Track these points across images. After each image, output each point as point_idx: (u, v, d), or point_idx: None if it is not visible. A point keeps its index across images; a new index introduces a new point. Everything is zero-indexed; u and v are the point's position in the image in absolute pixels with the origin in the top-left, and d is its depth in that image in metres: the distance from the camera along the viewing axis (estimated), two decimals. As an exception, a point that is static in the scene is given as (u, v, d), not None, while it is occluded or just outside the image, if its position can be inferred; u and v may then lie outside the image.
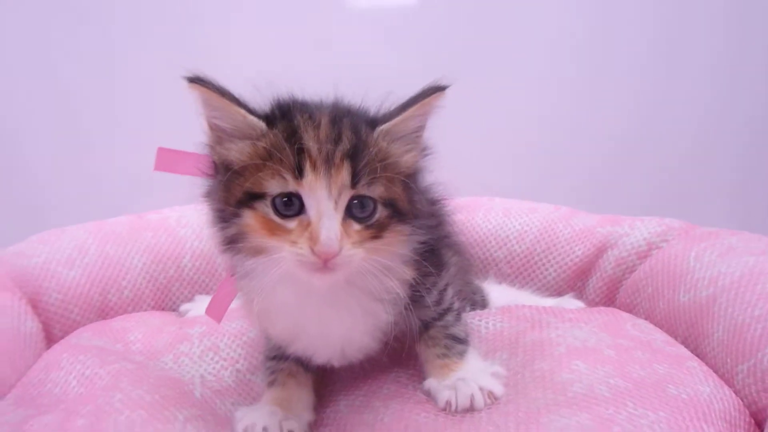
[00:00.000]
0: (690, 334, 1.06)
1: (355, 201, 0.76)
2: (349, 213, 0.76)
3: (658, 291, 1.16)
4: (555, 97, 1.86)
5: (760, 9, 1.79)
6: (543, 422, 0.77)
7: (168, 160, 0.87)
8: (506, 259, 1.39)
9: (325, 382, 1.02)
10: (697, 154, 1.89)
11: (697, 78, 1.82)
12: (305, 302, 0.84)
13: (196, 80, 0.75)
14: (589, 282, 1.33)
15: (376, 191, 0.77)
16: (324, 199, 0.74)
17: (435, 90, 0.80)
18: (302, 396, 0.95)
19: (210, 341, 1.10)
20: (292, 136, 0.75)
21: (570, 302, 1.25)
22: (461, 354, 0.92)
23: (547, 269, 1.36)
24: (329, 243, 0.72)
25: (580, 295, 1.34)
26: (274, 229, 0.75)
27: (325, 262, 0.73)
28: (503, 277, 1.38)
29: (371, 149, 0.76)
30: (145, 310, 1.31)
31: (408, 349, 0.98)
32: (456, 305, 0.96)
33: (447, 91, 0.80)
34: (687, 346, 1.04)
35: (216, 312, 0.98)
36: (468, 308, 1.13)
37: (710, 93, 1.86)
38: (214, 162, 0.82)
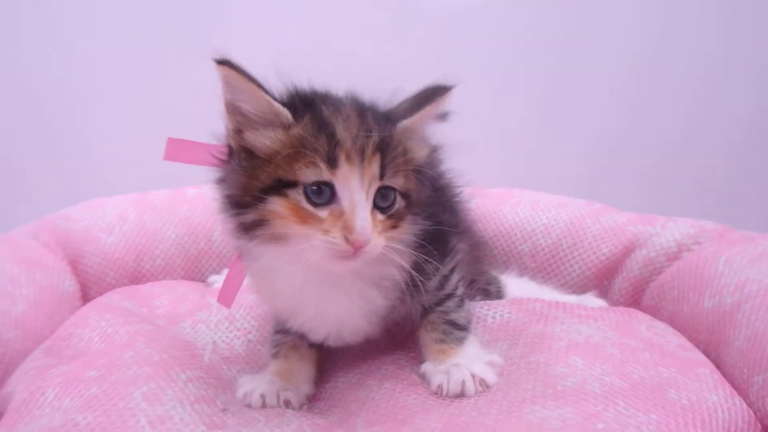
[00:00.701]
0: (711, 341, 1.01)
1: (379, 191, 0.79)
2: (374, 203, 0.79)
3: (684, 295, 1.11)
4: (614, 97, 1.81)
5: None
6: (524, 412, 0.76)
7: (177, 149, 0.91)
8: (530, 253, 1.37)
9: (331, 359, 1.04)
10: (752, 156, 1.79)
11: (754, 77, 1.72)
12: (305, 283, 0.87)
13: (224, 62, 0.76)
14: (615, 281, 1.29)
15: (398, 183, 0.80)
16: (357, 189, 0.76)
17: (445, 90, 0.84)
18: (303, 369, 0.98)
19: (227, 311, 1.15)
20: (324, 127, 0.77)
21: (591, 300, 1.22)
22: (460, 340, 0.93)
23: (571, 265, 1.33)
24: (364, 232, 0.75)
25: (605, 294, 1.30)
26: (304, 217, 0.77)
27: (357, 250, 0.75)
28: (526, 271, 1.36)
29: (397, 144, 0.80)
30: (175, 278, 1.38)
31: (410, 332, 1.00)
32: (459, 292, 0.96)
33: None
34: (707, 354, 1.00)
35: (226, 298, 1.02)
36: (479, 298, 1.12)
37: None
38: (230, 148, 0.83)
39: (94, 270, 1.27)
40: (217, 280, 1.35)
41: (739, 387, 0.90)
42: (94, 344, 1.03)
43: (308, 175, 0.76)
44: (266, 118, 0.79)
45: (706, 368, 0.91)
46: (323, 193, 0.77)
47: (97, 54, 1.63)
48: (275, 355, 0.99)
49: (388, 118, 0.83)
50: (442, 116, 1.43)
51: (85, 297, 1.26)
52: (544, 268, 1.36)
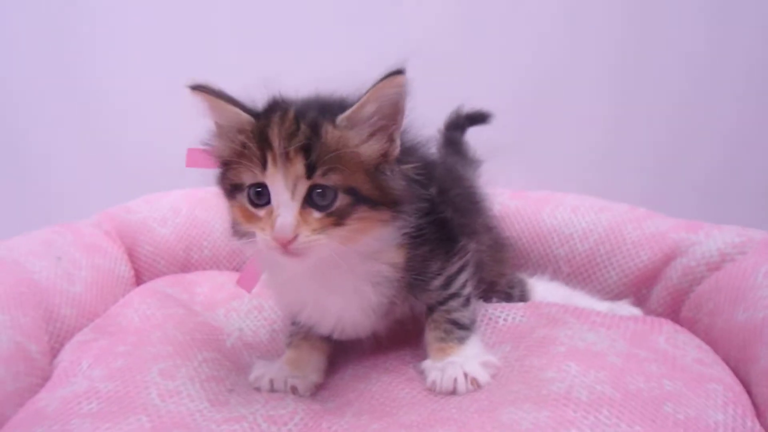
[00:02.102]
0: (741, 357, 0.95)
1: (317, 191, 0.81)
2: (311, 201, 0.81)
3: (720, 307, 1.05)
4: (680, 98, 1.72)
5: None
6: (500, 412, 0.76)
7: (197, 157, 0.99)
8: (566, 258, 1.33)
9: (345, 352, 1.08)
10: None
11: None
12: (303, 280, 0.92)
13: (195, 87, 0.85)
14: (654, 290, 1.23)
15: (333, 180, 0.80)
16: (281, 189, 0.80)
17: (390, 74, 0.79)
18: (313, 359, 1.02)
19: (257, 301, 1.23)
20: (260, 132, 0.82)
21: (624, 308, 1.17)
22: (461, 339, 0.94)
23: (608, 272, 1.28)
24: (282, 229, 0.79)
25: (643, 303, 1.24)
26: (249, 217, 0.84)
27: (283, 247, 0.79)
28: (561, 276, 1.32)
29: (328, 142, 0.80)
30: (220, 269, 1.48)
31: (420, 329, 1.02)
32: (465, 292, 0.97)
33: (403, 76, 0.79)
34: (737, 370, 0.94)
35: (247, 283, 1.09)
36: (495, 300, 1.11)
37: None
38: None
39: (147, 258, 1.40)
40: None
41: (759, 407, 0.85)
42: (133, 323, 1.13)
43: (248, 178, 0.83)
44: (230, 129, 0.86)
45: (719, 384, 0.86)
46: (262, 195, 0.82)
47: (150, 52, 1.77)
48: (289, 345, 1.04)
49: (329, 115, 0.83)
50: (483, 118, 1.44)
51: (139, 282, 1.38)
52: (580, 273, 1.32)
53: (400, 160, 0.87)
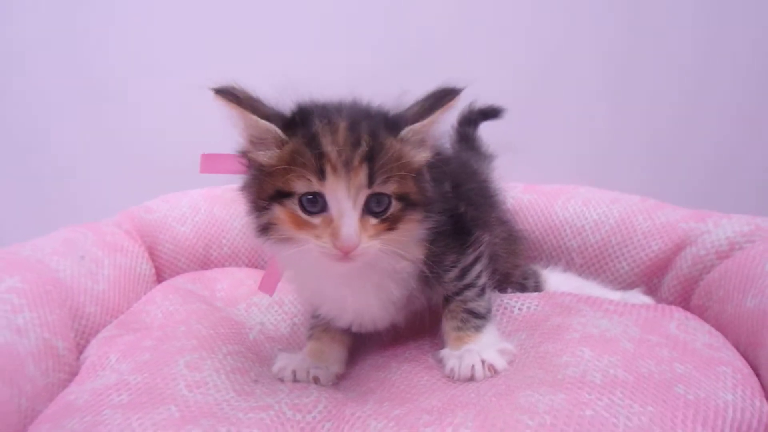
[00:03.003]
0: (750, 342, 0.97)
1: (372, 197, 0.83)
2: (367, 208, 0.83)
3: (729, 294, 1.07)
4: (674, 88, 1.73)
5: None
6: (517, 396, 0.79)
7: (210, 162, 1.00)
8: (579, 249, 1.36)
9: (364, 342, 1.11)
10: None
11: None
12: (324, 276, 0.95)
13: (219, 92, 0.84)
14: (665, 280, 1.25)
15: (390, 188, 0.83)
16: (344, 198, 0.81)
17: (453, 94, 0.85)
18: (334, 350, 1.06)
19: (277, 296, 1.26)
20: (313, 141, 0.82)
21: (636, 297, 1.19)
22: (477, 328, 0.96)
23: (620, 262, 1.30)
24: (349, 239, 0.80)
25: (654, 292, 1.26)
26: (301, 224, 0.84)
27: (345, 254, 0.81)
28: (574, 267, 1.35)
29: (388, 152, 0.83)
30: (239, 266, 1.51)
31: (436, 319, 1.04)
32: (480, 282, 1.00)
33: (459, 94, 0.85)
34: (746, 355, 0.96)
35: (268, 287, 1.12)
36: (510, 290, 1.14)
37: None
38: (248, 158, 0.91)
39: (168, 255, 1.43)
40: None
41: (767, 390, 0.87)
42: (157, 319, 1.17)
43: (301, 186, 0.82)
44: (262, 138, 0.86)
45: (728, 367, 0.88)
46: (316, 203, 0.82)
47: (166, 50, 1.81)
48: (309, 337, 1.08)
49: (386, 125, 0.85)
50: (496, 113, 1.46)
51: (159, 279, 1.41)
52: (592, 264, 1.34)
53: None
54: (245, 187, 0.92)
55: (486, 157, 1.39)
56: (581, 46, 1.73)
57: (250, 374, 0.98)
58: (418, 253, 0.93)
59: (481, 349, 0.92)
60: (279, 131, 0.84)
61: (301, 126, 0.85)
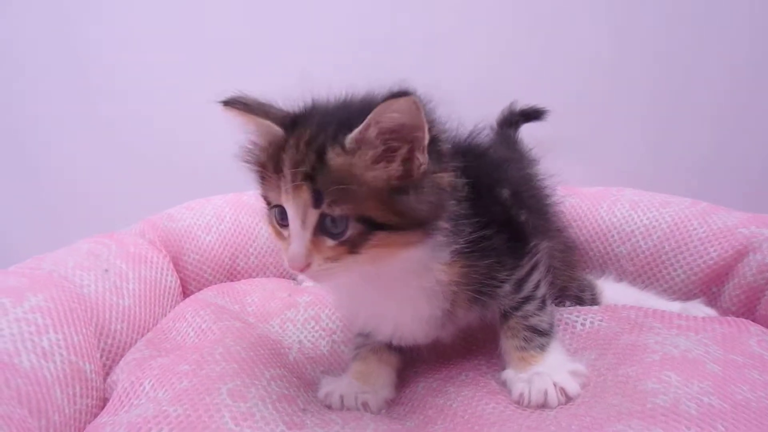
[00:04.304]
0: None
1: (328, 218, 0.76)
2: (323, 228, 0.76)
3: (803, 305, 1.00)
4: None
5: None
6: (606, 430, 0.72)
7: None
8: (629, 256, 1.28)
9: (413, 364, 1.04)
10: None
11: None
12: (359, 287, 0.89)
13: (226, 103, 0.82)
14: (725, 288, 1.18)
15: (341, 210, 0.75)
16: (293, 216, 0.77)
17: (387, 98, 0.72)
18: (382, 372, 0.98)
19: (314, 311, 1.18)
20: (278, 152, 0.78)
21: (698, 308, 1.13)
22: (542, 347, 0.89)
23: (675, 270, 1.23)
24: (294, 258, 0.77)
25: (713, 302, 1.19)
26: (277, 234, 0.83)
27: (299, 272, 0.78)
28: (625, 275, 1.28)
29: (332, 170, 0.75)
30: (267, 276, 1.43)
31: (490, 337, 0.97)
32: (540, 293, 0.92)
33: (406, 98, 0.71)
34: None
35: None
36: (569, 304, 1.07)
37: None
38: None
39: (193, 267, 1.35)
40: (306, 279, 1.39)
41: None
42: (189, 339, 1.09)
43: (273, 197, 0.81)
44: (260, 147, 0.83)
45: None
46: (285, 216, 0.79)
47: (190, 56, 1.74)
48: (355, 357, 1.00)
49: (342, 134, 0.76)
50: (538, 114, 1.39)
51: (185, 292, 1.33)
52: (645, 272, 1.27)
53: (435, 171, 0.79)
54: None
55: (529, 161, 1.32)
56: (626, 49, 1.67)
57: (297, 402, 0.91)
58: (445, 275, 0.84)
59: (552, 371, 0.85)
60: (275, 128, 0.81)
61: (291, 130, 0.80)
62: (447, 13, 1.68)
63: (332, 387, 0.94)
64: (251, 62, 1.67)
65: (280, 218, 0.80)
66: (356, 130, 0.75)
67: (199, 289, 1.34)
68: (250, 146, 0.86)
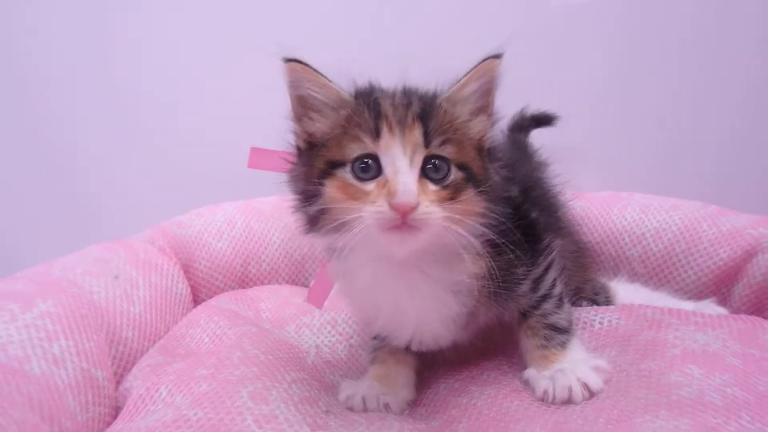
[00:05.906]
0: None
1: (430, 163, 0.78)
2: (425, 174, 0.78)
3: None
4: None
5: None
6: (636, 422, 0.72)
7: (259, 157, 0.94)
8: (640, 258, 1.30)
9: (432, 365, 1.04)
10: None
11: None
12: (381, 285, 0.87)
13: (293, 60, 0.82)
14: (735, 288, 1.20)
15: (448, 151, 0.79)
16: (399, 156, 0.76)
17: (489, 58, 0.81)
18: (401, 374, 0.98)
19: (330, 315, 1.18)
20: (370, 104, 0.80)
21: (710, 308, 1.13)
22: (562, 344, 0.90)
23: (686, 271, 1.24)
24: (406, 194, 0.73)
25: (724, 301, 1.21)
26: (354, 194, 0.78)
27: (403, 216, 0.73)
28: (636, 277, 1.29)
29: (439, 112, 0.80)
30: (280, 283, 1.42)
31: (509, 337, 0.97)
32: (556, 291, 0.93)
33: (499, 60, 0.81)
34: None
35: (317, 299, 1.04)
36: (585, 305, 1.07)
37: None
38: (298, 149, 0.87)
39: (204, 274, 1.34)
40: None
41: None
42: (204, 344, 1.08)
43: (354, 149, 0.79)
44: (325, 102, 0.83)
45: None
46: (369, 168, 0.78)
47: (202, 60, 1.74)
48: (373, 360, 1.00)
49: (436, 94, 0.84)
50: (549, 120, 1.40)
51: (196, 299, 1.33)
52: (656, 273, 1.28)
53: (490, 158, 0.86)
54: (293, 178, 0.87)
55: (540, 165, 1.33)
56: (643, 53, 1.69)
57: (319, 404, 0.90)
58: (474, 267, 0.85)
59: (574, 367, 0.85)
60: (344, 92, 0.83)
61: (358, 96, 0.84)
62: (455, 16, 1.70)
63: (353, 390, 0.94)
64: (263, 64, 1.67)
65: (362, 172, 0.78)
66: (459, 83, 0.83)
67: (211, 297, 1.33)
68: (308, 110, 0.85)
